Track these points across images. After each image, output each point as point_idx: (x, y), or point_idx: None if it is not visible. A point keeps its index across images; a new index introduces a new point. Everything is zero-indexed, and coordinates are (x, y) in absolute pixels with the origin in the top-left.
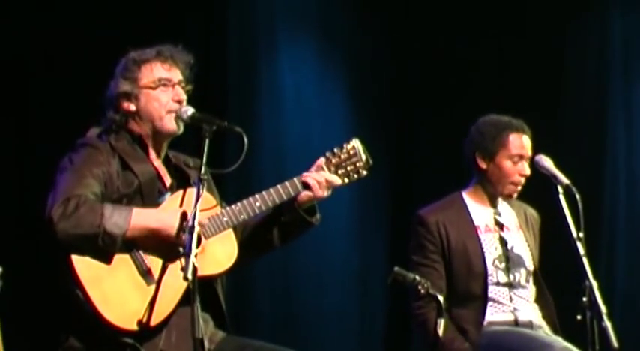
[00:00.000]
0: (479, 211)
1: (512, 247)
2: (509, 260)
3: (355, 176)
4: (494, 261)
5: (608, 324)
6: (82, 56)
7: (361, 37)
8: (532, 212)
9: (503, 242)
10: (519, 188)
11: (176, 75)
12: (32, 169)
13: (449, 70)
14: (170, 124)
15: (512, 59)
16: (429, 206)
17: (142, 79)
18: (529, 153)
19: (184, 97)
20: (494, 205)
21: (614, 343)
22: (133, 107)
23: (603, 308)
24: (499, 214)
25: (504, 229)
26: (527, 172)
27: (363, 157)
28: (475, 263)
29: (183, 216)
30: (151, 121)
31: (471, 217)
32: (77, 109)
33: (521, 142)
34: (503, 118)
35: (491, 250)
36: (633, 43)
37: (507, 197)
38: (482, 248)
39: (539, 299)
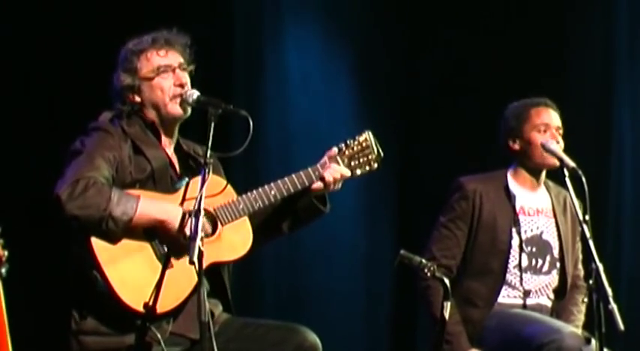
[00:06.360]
0: (518, 192)
1: (541, 233)
2: (536, 245)
3: (367, 168)
4: (520, 243)
5: (614, 307)
6: (88, 41)
7: (367, 19)
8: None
9: (533, 226)
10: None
11: (175, 59)
12: (44, 152)
13: (458, 54)
14: (175, 110)
15: (517, 45)
16: (472, 175)
17: (141, 70)
18: (556, 124)
19: (186, 80)
20: (533, 188)
21: (621, 326)
22: (138, 99)
23: (609, 291)
24: (536, 199)
25: (538, 213)
26: (558, 138)
27: (375, 150)
28: (500, 240)
29: (185, 213)
30: (157, 109)
31: (509, 195)
32: (89, 94)
33: (544, 114)
34: (525, 99)
35: (520, 232)
36: (639, 21)
37: (550, 166)
38: (511, 228)
39: (564, 291)
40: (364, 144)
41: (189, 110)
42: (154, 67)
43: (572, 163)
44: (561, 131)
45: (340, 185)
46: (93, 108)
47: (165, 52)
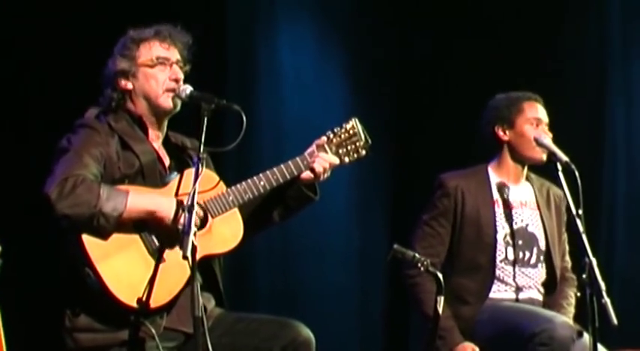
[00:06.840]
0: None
1: (527, 225)
2: (522, 238)
3: (355, 156)
4: (505, 236)
5: (607, 301)
6: (81, 36)
7: (361, 17)
8: (556, 191)
9: (518, 219)
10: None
11: (174, 54)
12: (36, 150)
13: (449, 49)
14: (166, 102)
15: (512, 45)
16: (453, 172)
17: (139, 58)
18: (545, 120)
19: (181, 76)
20: (516, 180)
21: (614, 319)
22: (130, 85)
23: (603, 285)
24: (519, 191)
25: (522, 206)
26: (549, 134)
27: (363, 137)
28: (485, 233)
29: (179, 204)
30: (147, 99)
31: (491, 190)
32: (76, 90)
33: (536, 109)
34: (514, 92)
35: (505, 225)
36: (632, 21)
37: (537, 161)
38: (495, 221)
39: (554, 284)
40: (351, 131)
41: (179, 105)
42: (153, 57)
43: (565, 157)
44: (547, 128)
45: (329, 174)
46: (81, 105)
47: (168, 45)
